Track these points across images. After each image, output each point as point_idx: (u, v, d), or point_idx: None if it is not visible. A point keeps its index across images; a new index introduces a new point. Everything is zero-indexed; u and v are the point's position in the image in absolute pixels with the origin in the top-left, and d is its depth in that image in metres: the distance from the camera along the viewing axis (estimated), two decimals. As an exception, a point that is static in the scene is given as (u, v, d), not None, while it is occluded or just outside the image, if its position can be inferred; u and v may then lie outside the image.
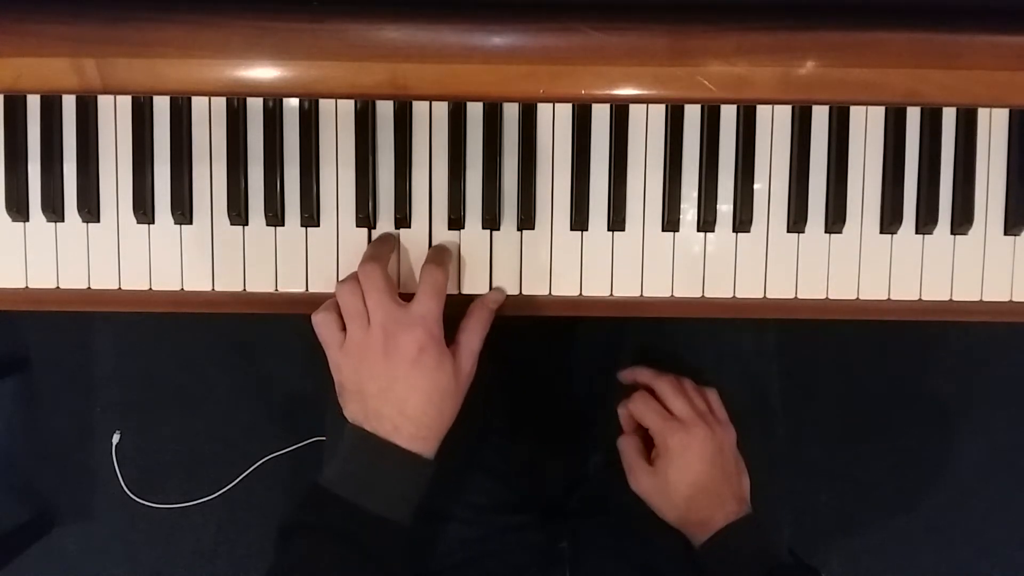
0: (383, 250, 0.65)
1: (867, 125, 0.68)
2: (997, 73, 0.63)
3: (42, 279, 0.68)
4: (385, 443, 0.62)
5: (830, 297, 0.69)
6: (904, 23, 0.62)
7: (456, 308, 0.67)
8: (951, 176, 0.68)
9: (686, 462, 0.71)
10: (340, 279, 0.64)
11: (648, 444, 0.75)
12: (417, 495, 0.63)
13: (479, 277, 0.68)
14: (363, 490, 0.62)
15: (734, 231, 0.68)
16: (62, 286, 0.68)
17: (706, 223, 0.68)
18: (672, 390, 0.73)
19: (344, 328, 0.63)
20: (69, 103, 0.67)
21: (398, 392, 0.62)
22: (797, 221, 0.68)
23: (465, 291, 0.68)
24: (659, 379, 0.75)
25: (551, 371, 1.10)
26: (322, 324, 0.64)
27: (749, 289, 0.69)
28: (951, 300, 0.69)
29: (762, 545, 0.71)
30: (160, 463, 1.39)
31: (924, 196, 0.68)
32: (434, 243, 0.68)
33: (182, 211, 0.67)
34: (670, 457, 0.71)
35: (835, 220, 0.68)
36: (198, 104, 0.67)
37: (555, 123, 0.67)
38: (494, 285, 0.68)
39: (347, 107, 0.67)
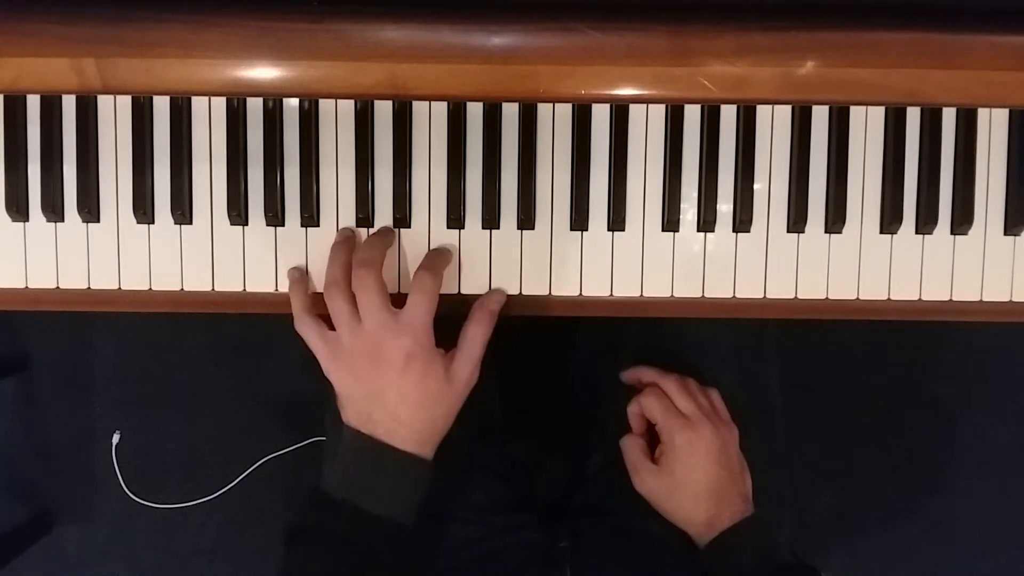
0: (376, 253, 0.64)
1: (867, 125, 0.68)
2: (997, 73, 0.63)
3: (42, 279, 0.68)
4: (381, 445, 0.62)
5: (830, 297, 0.69)
6: (904, 23, 0.62)
7: (456, 308, 0.67)
8: (951, 176, 0.68)
9: (694, 460, 0.71)
10: (328, 280, 0.64)
11: (651, 446, 0.75)
12: (417, 495, 0.63)
13: (479, 277, 0.68)
14: (362, 492, 0.62)
15: (734, 231, 0.68)
16: (62, 286, 0.68)
17: (706, 223, 0.68)
18: (678, 389, 0.73)
19: (329, 332, 0.63)
20: (69, 103, 0.67)
21: (389, 399, 0.62)
22: (797, 221, 0.68)
23: (465, 291, 0.68)
24: (664, 378, 0.75)
25: (551, 371, 1.10)
26: (309, 333, 0.63)
27: (749, 289, 0.69)
28: (951, 300, 0.69)
29: (765, 545, 0.71)
30: (160, 463, 1.39)
31: (924, 196, 0.68)
32: (433, 243, 0.68)
33: (182, 211, 0.67)
34: (677, 455, 0.71)
35: (835, 220, 0.68)
36: (198, 104, 0.67)
37: (555, 123, 0.67)
38: (494, 285, 0.68)
39: (347, 107, 0.67)
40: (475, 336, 0.64)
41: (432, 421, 0.63)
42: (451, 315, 0.66)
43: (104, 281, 0.68)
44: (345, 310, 0.62)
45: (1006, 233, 0.69)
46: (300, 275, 0.68)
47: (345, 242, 0.66)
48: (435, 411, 0.63)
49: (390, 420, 0.62)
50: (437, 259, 0.66)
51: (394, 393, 0.62)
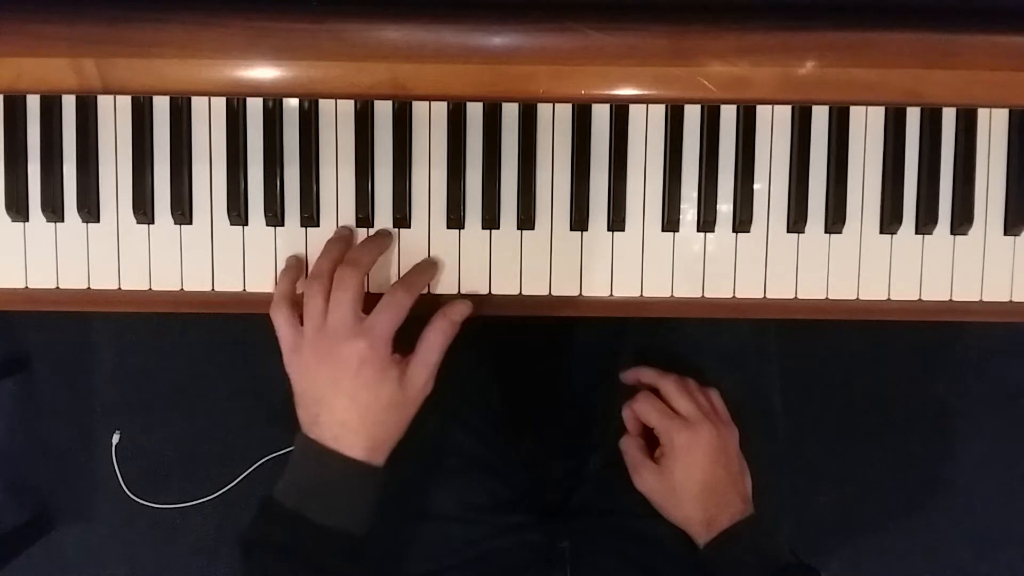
0: (367, 257, 0.64)
1: (867, 125, 0.68)
2: (997, 73, 0.63)
3: (42, 279, 0.68)
4: (327, 451, 0.60)
5: (830, 297, 0.69)
6: (904, 23, 0.62)
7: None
8: (951, 176, 0.68)
9: (693, 461, 0.71)
10: (313, 272, 0.64)
11: (651, 444, 0.75)
12: (364, 503, 0.62)
13: (478, 277, 0.68)
14: (309, 500, 0.60)
15: (734, 231, 0.68)
16: (62, 286, 0.68)
17: (706, 223, 0.68)
18: (677, 389, 0.73)
19: (300, 325, 0.63)
20: (69, 103, 0.67)
21: (339, 402, 0.61)
22: (797, 221, 0.68)
23: (464, 291, 0.68)
24: (663, 379, 0.75)
25: (551, 371, 1.10)
26: (280, 319, 0.64)
27: (749, 289, 0.69)
28: (951, 300, 0.69)
29: (765, 545, 0.71)
30: (160, 463, 1.39)
31: (924, 196, 0.68)
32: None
33: (182, 211, 0.67)
34: (676, 456, 0.71)
35: (835, 220, 0.68)
36: (198, 104, 0.67)
37: (555, 123, 0.67)
38: (494, 285, 0.68)
39: (347, 107, 0.67)
40: (433, 343, 0.63)
41: (383, 427, 0.62)
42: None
43: (104, 281, 0.68)
44: (318, 306, 0.62)
45: (1006, 233, 0.69)
46: (296, 263, 0.67)
47: (341, 240, 0.66)
48: (387, 418, 0.62)
49: (337, 425, 0.61)
50: (418, 276, 0.66)
51: (344, 396, 0.61)
